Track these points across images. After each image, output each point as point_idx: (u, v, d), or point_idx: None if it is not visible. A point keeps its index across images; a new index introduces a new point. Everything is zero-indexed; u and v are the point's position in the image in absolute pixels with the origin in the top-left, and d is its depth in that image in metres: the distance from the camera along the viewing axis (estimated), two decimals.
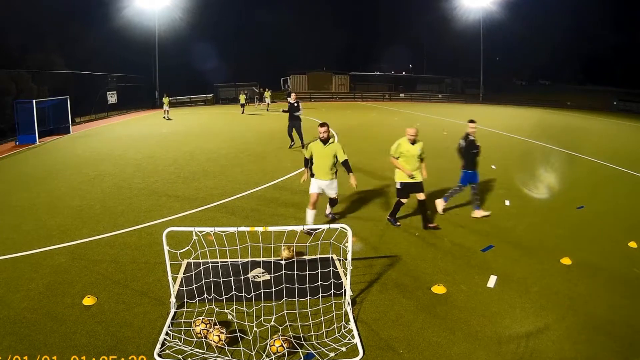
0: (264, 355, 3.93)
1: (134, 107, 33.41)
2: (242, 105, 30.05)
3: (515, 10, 45.66)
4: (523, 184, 9.83)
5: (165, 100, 27.12)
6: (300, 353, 3.99)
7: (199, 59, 41.23)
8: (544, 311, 4.75)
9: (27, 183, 10.41)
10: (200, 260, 5.12)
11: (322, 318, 4.46)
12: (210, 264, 5.17)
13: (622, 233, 7.04)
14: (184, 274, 5.32)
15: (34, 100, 17.18)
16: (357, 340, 4.16)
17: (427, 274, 5.59)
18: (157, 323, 4.44)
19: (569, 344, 4.19)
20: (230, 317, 4.52)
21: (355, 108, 36.17)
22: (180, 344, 4.07)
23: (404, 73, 60.06)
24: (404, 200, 7.17)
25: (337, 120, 24.23)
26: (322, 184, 6.88)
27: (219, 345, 4.00)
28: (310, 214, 6.79)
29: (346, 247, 4.60)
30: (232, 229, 4.38)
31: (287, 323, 4.40)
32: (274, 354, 3.90)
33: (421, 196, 7.07)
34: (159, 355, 3.93)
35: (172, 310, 4.62)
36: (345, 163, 6.76)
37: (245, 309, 4.64)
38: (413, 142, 7.00)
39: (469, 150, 7.64)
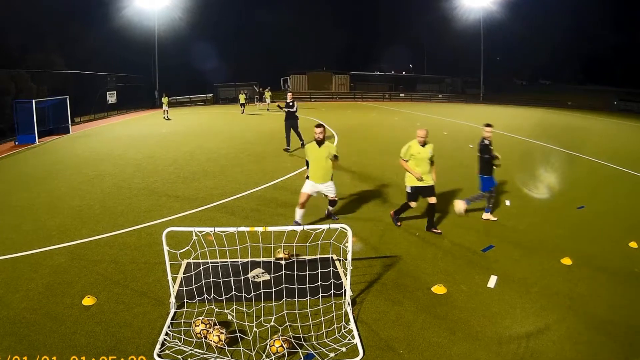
0: (264, 355, 3.92)
1: (134, 107, 33.39)
2: (242, 105, 30.02)
3: (516, 10, 45.74)
4: (523, 184, 9.82)
5: (165, 100, 27.00)
6: (300, 353, 3.98)
7: (199, 59, 41.24)
8: (545, 311, 4.75)
9: (27, 183, 10.40)
10: (200, 261, 5.11)
11: (322, 318, 4.46)
12: (210, 264, 5.15)
13: (622, 233, 7.04)
14: (183, 274, 5.31)
15: (33, 100, 17.16)
16: (357, 340, 4.16)
17: (428, 274, 5.59)
18: (157, 323, 4.43)
19: (569, 344, 4.18)
20: (230, 317, 4.51)
21: (355, 108, 36.17)
22: (180, 344, 4.07)
23: (404, 73, 60.03)
24: (412, 204, 7.02)
25: (337, 120, 24.24)
26: (318, 187, 6.92)
27: (219, 345, 3.99)
28: (299, 212, 6.87)
29: (346, 247, 4.59)
30: (231, 229, 4.38)
31: (287, 323, 4.39)
32: (274, 354, 3.90)
33: (432, 200, 6.91)
34: (159, 356, 3.92)
35: (172, 311, 4.61)
36: (335, 157, 6.88)
37: (245, 309, 4.64)
38: (423, 144, 6.81)
39: (482, 155, 7.49)
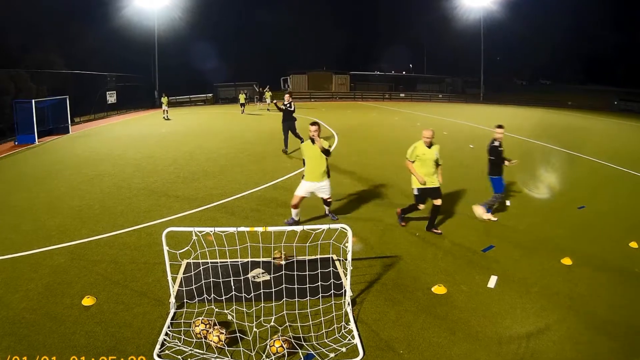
0: (264, 355, 3.91)
1: (134, 106, 33.37)
2: (242, 105, 30.00)
3: (516, 10, 45.73)
4: (524, 184, 9.81)
5: (164, 100, 26.87)
6: (300, 354, 3.98)
7: (199, 59, 41.23)
8: (545, 311, 4.74)
9: (27, 183, 10.39)
10: (200, 261, 5.10)
11: (322, 318, 4.45)
12: (210, 264, 5.15)
13: (622, 233, 7.03)
14: (183, 274, 5.31)
15: (33, 100, 17.14)
16: (357, 340, 4.15)
17: (428, 274, 5.58)
18: (157, 323, 4.42)
19: (569, 344, 4.17)
20: (230, 317, 4.50)
21: (355, 108, 36.16)
22: (179, 344, 4.06)
23: (404, 73, 59.97)
24: (420, 206, 6.92)
25: (337, 120, 24.22)
26: (311, 187, 6.95)
27: (219, 345, 3.98)
28: (293, 211, 7.05)
29: (346, 247, 4.59)
30: (231, 229, 4.37)
31: (287, 323, 4.39)
32: (274, 354, 3.89)
33: (438, 202, 6.85)
34: (159, 356, 3.92)
35: (172, 311, 4.60)
36: (326, 151, 6.88)
37: (245, 309, 4.63)
38: (430, 145, 6.73)
39: (489, 156, 7.47)
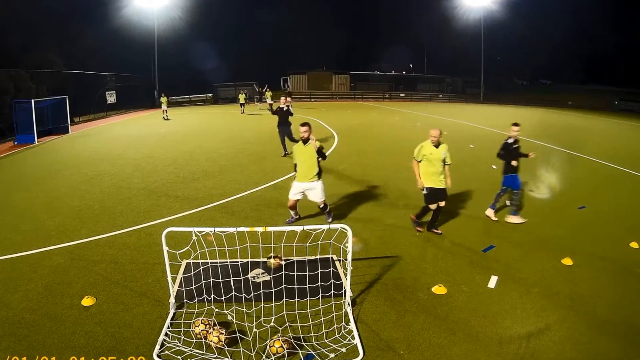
0: (264, 356, 3.90)
1: (133, 106, 33.38)
2: (242, 105, 30.00)
3: (516, 9, 45.78)
4: (524, 184, 9.77)
5: (164, 99, 26.74)
6: (300, 354, 3.97)
7: (199, 59, 41.24)
8: (545, 312, 4.73)
9: (26, 183, 10.38)
10: (200, 261, 5.09)
11: (322, 319, 4.44)
12: (209, 265, 5.14)
13: (623, 233, 7.02)
14: (183, 274, 5.30)
15: (32, 100, 17.15)
16: (357, 341, 4.14)
17: (428, 275, 5.57)
18: (157, 324, 4.42)
19: (570, 344, 4.17)
20: (229, 317, 4.50)
21: (355, 108, 36.16)
22: (179, 344, 4.05)
23: (404, 73, 59.98)
24: (432, 207, 6.79)
25: (337, 120, 24.21)
26: (303, 187, 6.95)
27: (219, 346, 3.98)
28: (292, 212, 7.28)
29: (346, 247, 4.58)
30: (231, 230, 4.36)
31: (287, 324, 4.38)
32: (274, 354, 3.88)
33: (442, 203, 6.78)
34: (158, 356, 3.91)
35: (172, 311, 4.60)
36: (320, 149, 6.91)
37: (245, 309, 4.62)
38: (437, 145, 6.64)
39: (500, 151, 7.44)
